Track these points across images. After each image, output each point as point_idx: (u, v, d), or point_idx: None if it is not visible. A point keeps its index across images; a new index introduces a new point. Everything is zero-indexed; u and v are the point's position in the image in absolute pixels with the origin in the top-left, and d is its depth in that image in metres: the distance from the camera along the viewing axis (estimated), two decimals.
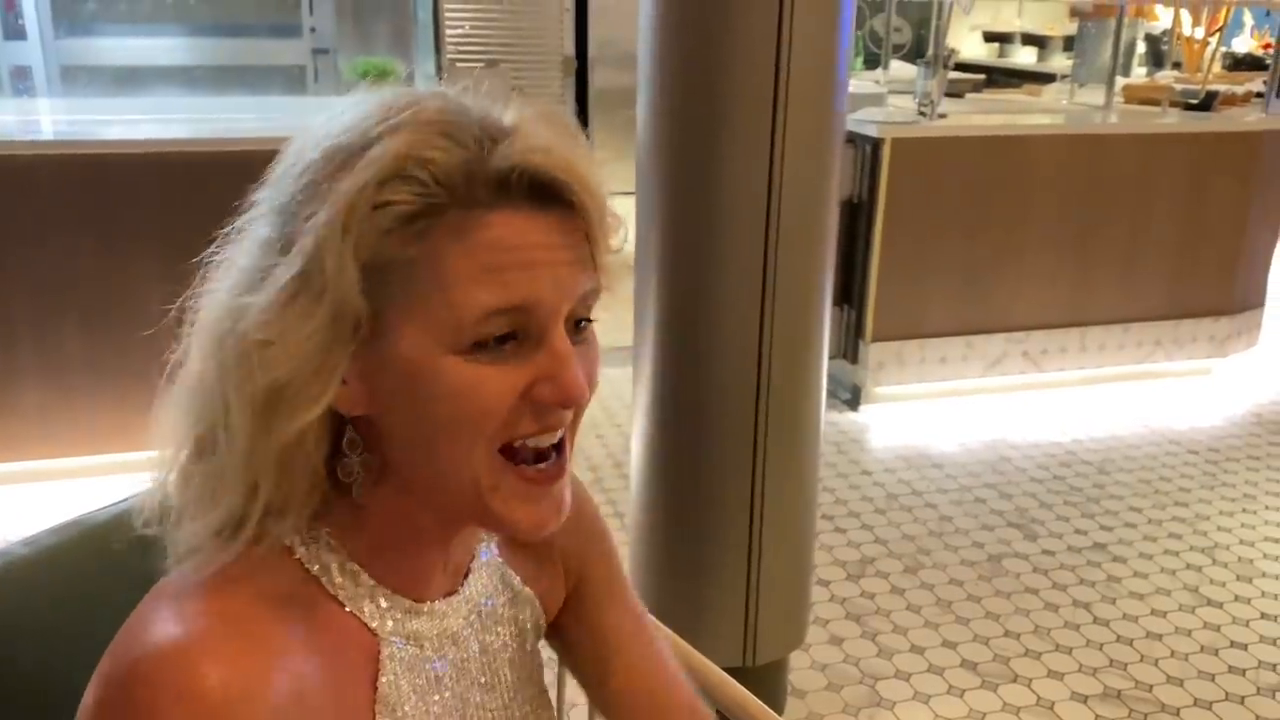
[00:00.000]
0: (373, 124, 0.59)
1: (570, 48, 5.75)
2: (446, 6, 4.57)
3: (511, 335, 0.60)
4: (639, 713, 0.86)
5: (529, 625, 0.80)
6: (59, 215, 2.80)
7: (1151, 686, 2.27)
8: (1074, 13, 5.41)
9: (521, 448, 0.63)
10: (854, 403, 3.70)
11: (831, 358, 3.67)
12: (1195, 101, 4.02)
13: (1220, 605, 2.58)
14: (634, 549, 2.05)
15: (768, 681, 2.08)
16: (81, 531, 0.80)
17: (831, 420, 3.59)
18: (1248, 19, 5.74)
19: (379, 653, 0.67)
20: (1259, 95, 4.21)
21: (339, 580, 0.66)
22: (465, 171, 0.58)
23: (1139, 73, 5.24)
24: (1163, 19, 5.35)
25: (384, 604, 0.68)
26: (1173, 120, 3.94)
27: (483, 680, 0.75)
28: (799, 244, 1.84)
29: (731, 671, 1.01)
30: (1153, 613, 2.54)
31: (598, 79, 6.03)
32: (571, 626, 0.85)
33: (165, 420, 0.64)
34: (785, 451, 1.95)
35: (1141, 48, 5.50)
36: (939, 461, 3.31)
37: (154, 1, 4.51)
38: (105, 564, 0.78)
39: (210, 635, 0.59)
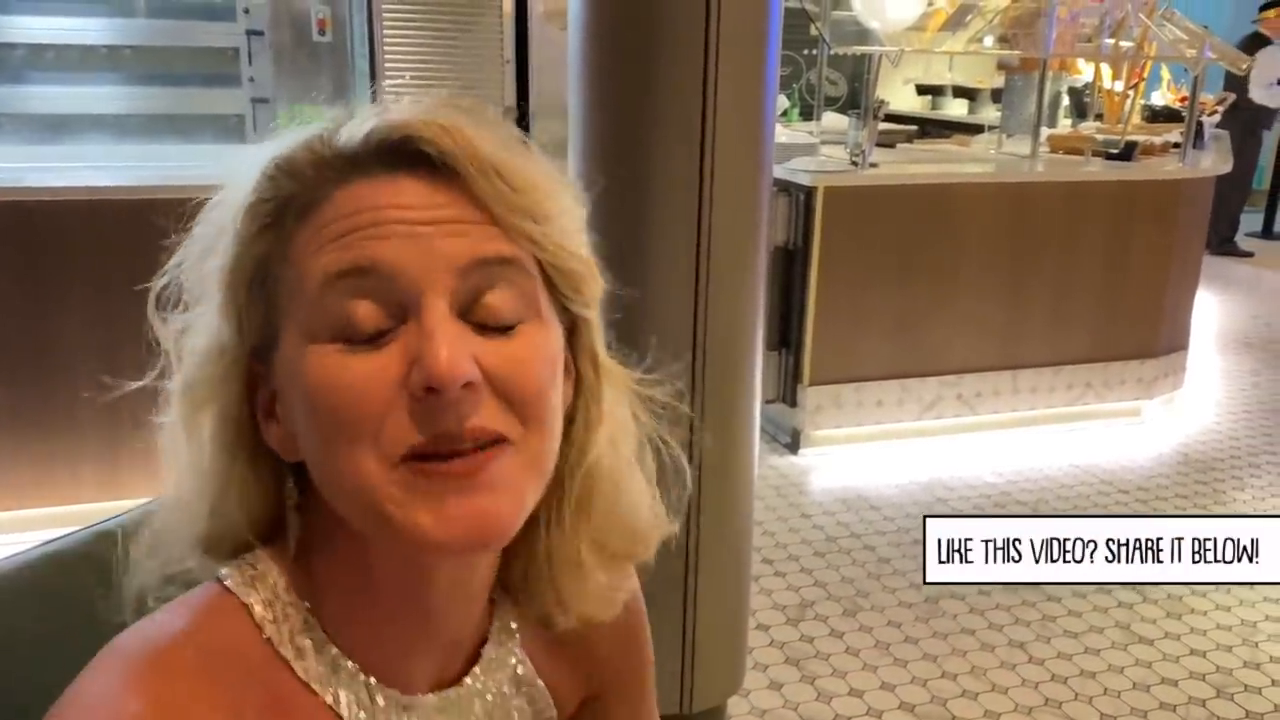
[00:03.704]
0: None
1: (511, 98, 5.79)
2: (386, 56, 4.59)
3: (380, 326, 0.54)
4: None
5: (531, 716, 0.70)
6: None
7: None
8: (1001, 66, 5.59)
9: (432, 455, 0.54)
10: (794, 446, 3.73)
11: (771, 401, 3.69)
12: (1116, 151, 4.16)
13: (1151, 642, 2.62)
14: None
15: None
16: None
17: (772, 464, 3.61)
18: (1165, 73, 5.97)
19: None
20: (1176, 146, 4.37)
21: (314, 666, 0.59)
22: (312, 160, 0.57)
23: (1065, 123, 5.41)
24: (1085, 73, 5.54)
25: (368, 698, 0.60)
26: (1096, 169, 4.07)
27: None
28: (729, 290, 1.86)
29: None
30: (1086, 651, 2.57)
31: (540, 130, 6.08)
32: None
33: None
34: (719, 496, 1.95)
35: (1066, 100, 5.69)
36: (877, 504, 3.34)
37: (90, 50, 4.47)
38: None
39: None
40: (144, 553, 0.63)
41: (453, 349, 0.52)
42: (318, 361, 0.54)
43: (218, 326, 0.58)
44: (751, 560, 2.25)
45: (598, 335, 0.65)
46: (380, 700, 0.60)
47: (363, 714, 0.60)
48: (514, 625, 0.69)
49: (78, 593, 0.83)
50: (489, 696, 0.66)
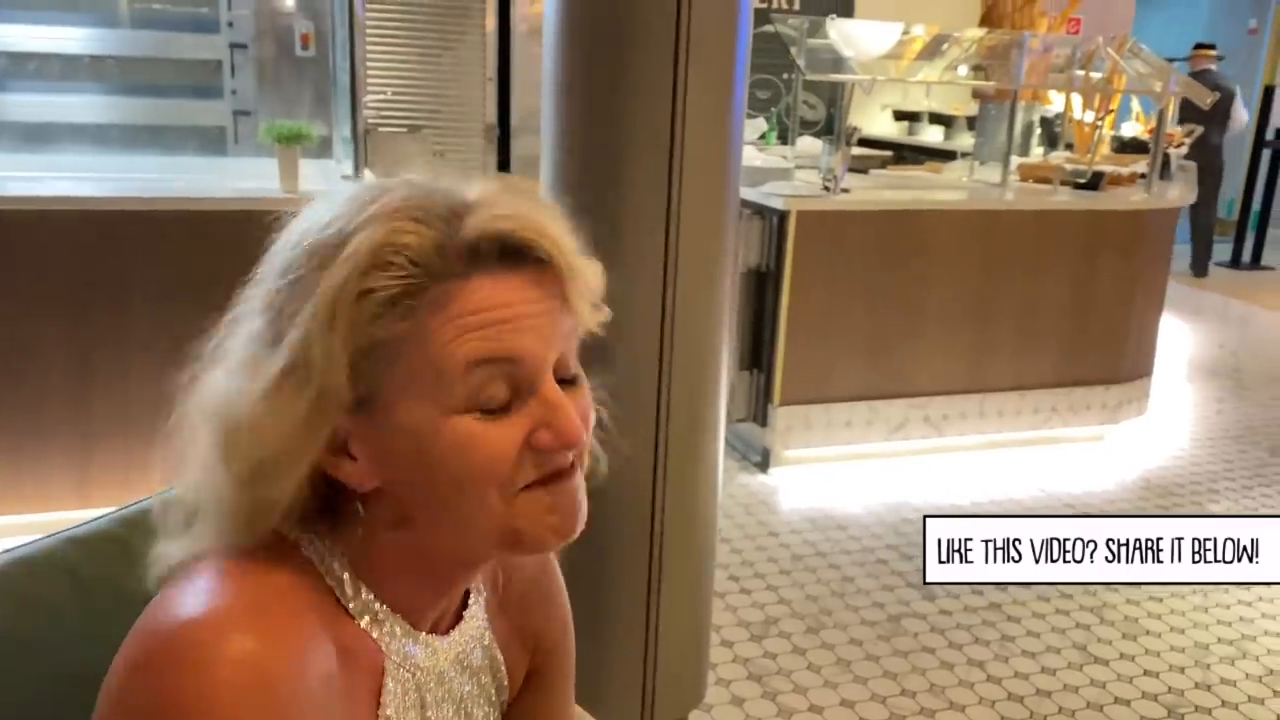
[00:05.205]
0: (346, 219, 0.66)
1: (493, 115, 5.84)
2: (369, 72, 4.63)
3: (508, 398, 0.67)
4: None
5: (493, 690, 0.84)
6: None
7: None
8: (977, 95, 5.69)
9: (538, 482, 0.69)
10: (764, 465, 3.77)
11: (742, 421, 3.74)
12: (1084, 181, 4.25)
13: (1107, 663, 2.67)
14: None
15: None
16: None
17: (742, 482, 3.65)
18: (1136, 104, 6.09)
19: (383, 669, 0.73)
20: (1143, 176, 4.46)
21: (349, 593, 0.71)
22: (438, 248, 0.65)
23: (1038, 152, 5.51)
24: (1056, 103, 5.64)
25: (387, 625, 0.73)
26: (1064, 198, 4.15)
27: None
28: (696, 312, 1.91)
29: None
30: (1043, 670, 2.62)
31: (520, 147, 6.11)
32: (518, 711, 0.89)
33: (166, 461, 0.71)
34: (683, 513, 1.99)
35: (1039, 129, 5.79)
36: (843, 523, 3.39)
37: (73, 60, 4.48)
38: None
39: (251, 608, 0.64)
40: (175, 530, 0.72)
41: (574, 417, 0.69)
42: (462, 429, 0.66)
43: (308, 373, 0.65)
44: (715, 576, 2.29)
45: None
46: (397, 630, 0.74)
47: (384, 638, 0.73)
48: (481, 601, 0.84)
49: (48, 597, 0.86)
50: (464, 654, 0.81)
